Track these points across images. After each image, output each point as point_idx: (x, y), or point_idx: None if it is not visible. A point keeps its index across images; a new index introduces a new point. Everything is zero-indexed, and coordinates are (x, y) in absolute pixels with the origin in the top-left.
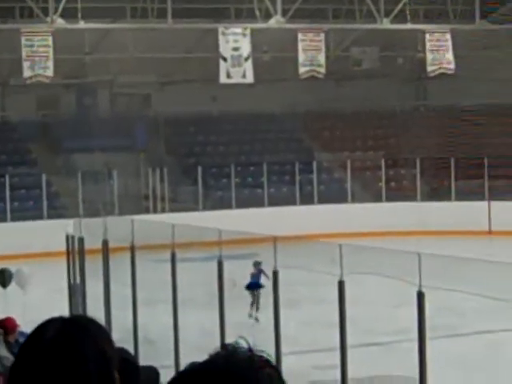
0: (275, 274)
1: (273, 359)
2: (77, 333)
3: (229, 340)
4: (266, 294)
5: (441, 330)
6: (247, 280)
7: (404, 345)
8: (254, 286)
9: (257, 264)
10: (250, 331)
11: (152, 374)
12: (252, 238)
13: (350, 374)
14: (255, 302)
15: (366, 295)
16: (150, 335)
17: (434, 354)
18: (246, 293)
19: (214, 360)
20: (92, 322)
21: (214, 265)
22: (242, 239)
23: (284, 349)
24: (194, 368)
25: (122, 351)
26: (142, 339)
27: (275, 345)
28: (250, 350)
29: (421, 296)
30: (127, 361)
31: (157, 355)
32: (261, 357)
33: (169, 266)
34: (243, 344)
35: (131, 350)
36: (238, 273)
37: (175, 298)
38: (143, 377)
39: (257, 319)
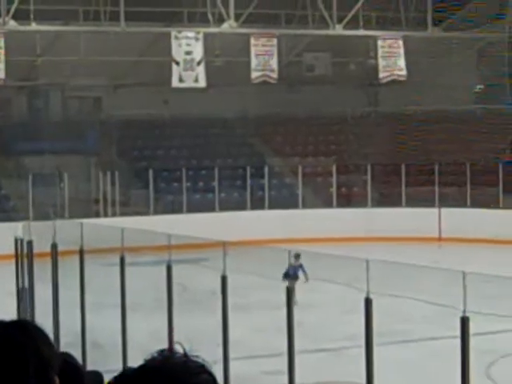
0: (224, 279)
1: (209, 365)
2: (16, 336)
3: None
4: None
5: (388, 337)
6: (197, 284)
7: (352, 351)
8: (290, 276)
9: (297, 256)
10: (197, 336)
11: (97, 378)
12: (202, 243)
13: (298, 379)
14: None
15: (315, 301)
16: (98, 339)
17: (382, 360)
18: (196, 297)
19: (148, 365)
20: (32, 326)
21: (164, 269)
22: (192, 244)
23: (232, 354)
24: (129, 373)
25: (66, 355)
26: (90, 343)
27: (223, 350)
28: (185, 355)
29: (368, 302)
30: (70, 365)
31: (105, 359)
32: (196, 362)
33: (118, 269)
34: (179, 349)
35: (79, 355)
36: (188, 277)
37: (124, 302)
38: (87, 381)
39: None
